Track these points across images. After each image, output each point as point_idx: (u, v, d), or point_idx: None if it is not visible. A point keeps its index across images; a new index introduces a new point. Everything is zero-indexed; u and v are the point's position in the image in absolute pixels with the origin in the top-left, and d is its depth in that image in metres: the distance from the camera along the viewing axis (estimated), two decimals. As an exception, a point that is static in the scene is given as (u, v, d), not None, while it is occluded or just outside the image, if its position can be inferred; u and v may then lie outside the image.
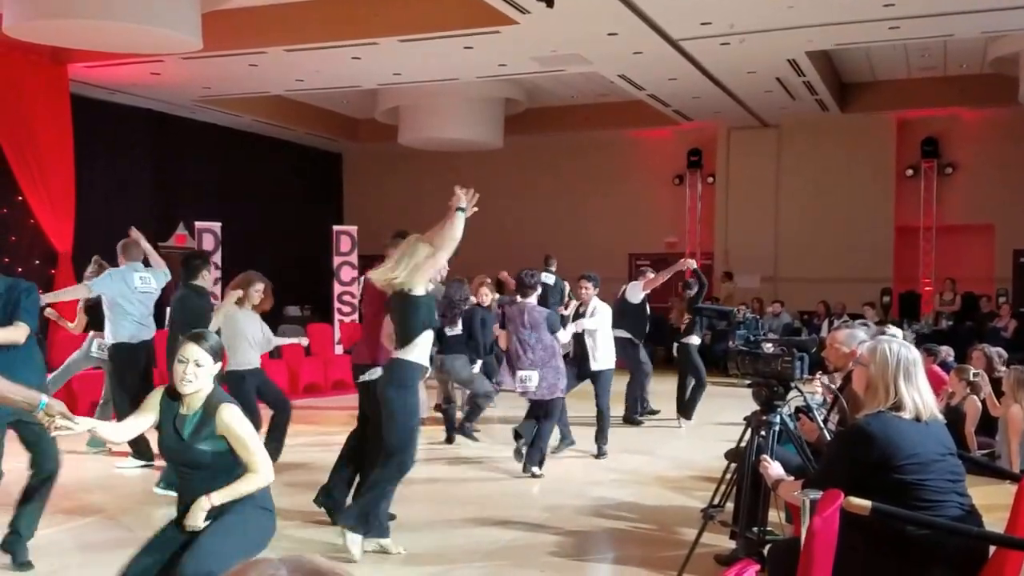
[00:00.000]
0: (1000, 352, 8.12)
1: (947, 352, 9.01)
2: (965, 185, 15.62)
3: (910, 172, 15.90)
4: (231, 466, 3.25)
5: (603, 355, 7.46)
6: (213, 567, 2.99)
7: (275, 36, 10.88)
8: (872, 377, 3.13)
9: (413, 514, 5.55)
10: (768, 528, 4.13)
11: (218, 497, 3.19)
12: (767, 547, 3.84)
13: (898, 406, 3.07)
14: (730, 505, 4.36)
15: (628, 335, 8.74)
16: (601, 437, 7.45)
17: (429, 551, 4.87)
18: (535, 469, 6.66)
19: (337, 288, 13.10)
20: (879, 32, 10.84)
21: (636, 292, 9.03)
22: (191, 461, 3.25)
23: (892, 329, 6.05)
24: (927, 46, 12.89)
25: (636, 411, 9.23)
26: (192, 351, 3.22)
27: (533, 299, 6.80)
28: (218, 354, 3.29)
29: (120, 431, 3.49)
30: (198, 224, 12.84)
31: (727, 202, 16.70)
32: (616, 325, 7.95)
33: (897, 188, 15.87)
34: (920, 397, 3.09)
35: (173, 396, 3.30)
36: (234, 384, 5.98)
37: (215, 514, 3.21)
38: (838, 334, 4.82)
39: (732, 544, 4.50)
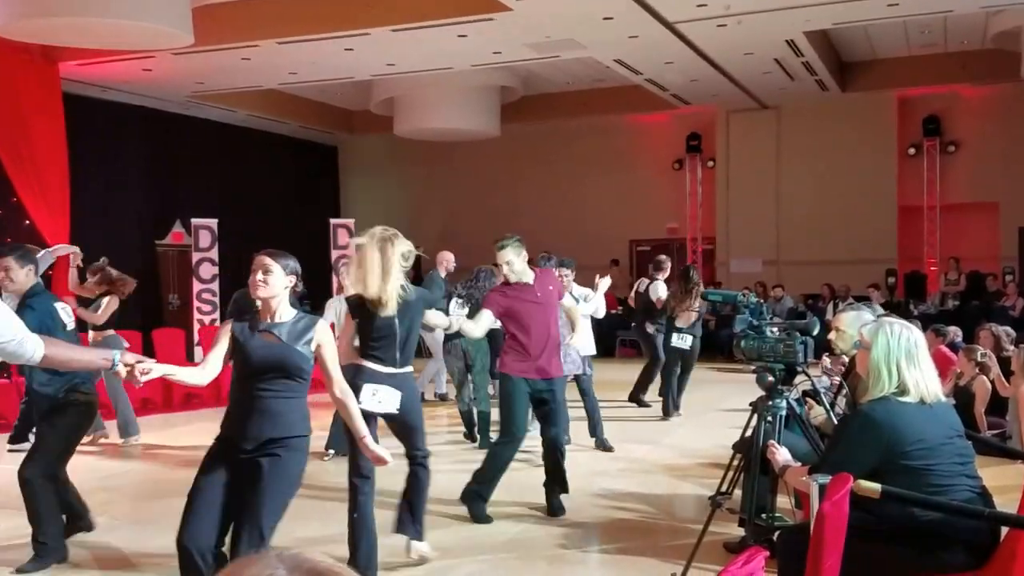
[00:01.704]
0: (1008, 331, 8.05)
1: (955, 332, 8.93)
2: (968, 163, 15.50)
3: (912, 151, 15.79)
4: (304, 387, 3.39)
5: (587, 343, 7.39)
6: (267, 527, 3.22)
7: (267, 29, 10.79)
8: (874, 360, 3.08)
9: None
10: (777, 514, 4.06)
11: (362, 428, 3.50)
12: (776, 533, 3.77)
13: (902, 389, 3.03)
14: (738, 492, 4.29)
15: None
16: (599, 429, 7.40)
17: (435, 545, 4.82)
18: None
19: (336, 282, 13.02)
20: (878, 9, 10.71)
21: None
22: (291, 365, 3.33)
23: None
24: (927, 23, 12.76)
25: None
26: (260, 260, 3.40)
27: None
28: (289, 268, 3.44)
29: (201, 373, 3.46)
30: (194, 221, 12.77)
31: (727, 186, 16.60)
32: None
33: (899, 167, 15.76)
34: (923, 380, 3.05)
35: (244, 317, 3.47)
36: None
37: (267, 453, 3.29)
38: (843, 316, 4.73)
39: (741, 531, 4.44)
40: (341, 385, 3.52)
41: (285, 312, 3.43)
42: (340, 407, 3.55)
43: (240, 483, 3.30)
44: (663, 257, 9.48)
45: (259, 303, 3.42)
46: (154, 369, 3.15)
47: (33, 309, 4.38)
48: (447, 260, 9.03)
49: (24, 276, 4.53)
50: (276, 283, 3.38)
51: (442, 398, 10.12)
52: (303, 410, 3.41)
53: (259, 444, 3.30)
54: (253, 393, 3.33)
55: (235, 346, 3.38)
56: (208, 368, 3.38)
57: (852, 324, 4.51)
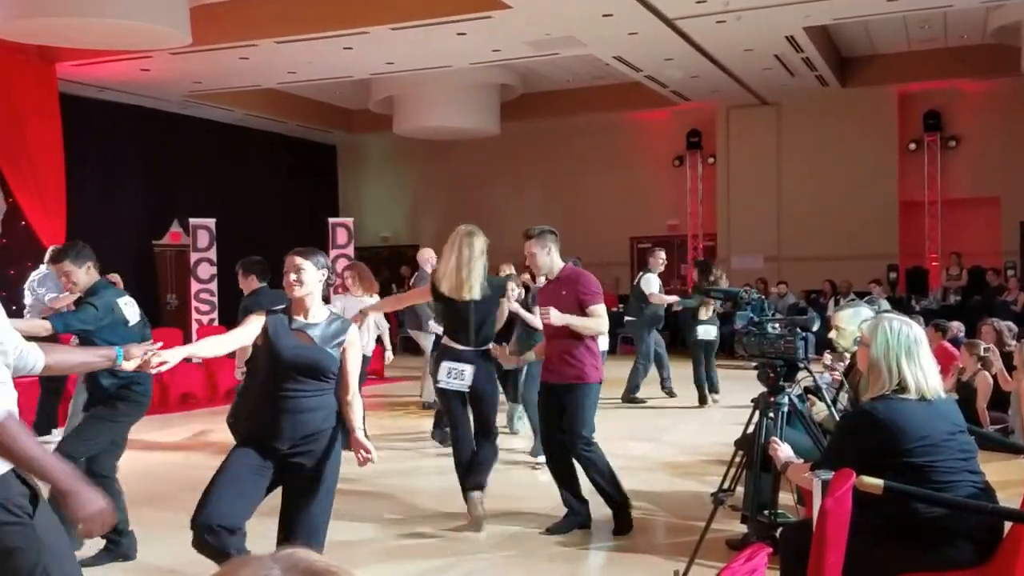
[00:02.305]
0: (1010, 326, 8.02)
1: (957, 328, 8.90)
2: (969, 158, 15.46)
3: (913, 146, 15.75)
4: (331, 384, 3.43)
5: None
6: (319, 536, 3.35)
7: (265, 28, 10.77)
8: (874, 357, 3.06)
9: (420, 505, 5.49)
10: (780, 511, 4.04)
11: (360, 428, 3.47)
12: (779, 530, 3.75)
13: (902, 386, 3.01)
14: (740, 489, 4.27)
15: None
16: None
17: (436, 543, 4.80)
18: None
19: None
20: (878, 4, 10.68)
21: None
22: (322, 367, 3.37)
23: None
24: (927, 17, 12.73)
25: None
26: (292, 261, 3.45)
27: None
28: (320, 263, 3.49)
29: (217, 345, 3.56)
30: (192, 221, 12.75)
31: (728, 182, 16.57)
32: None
33: (900, 163, 15.72)
34: (923, 376, 3.03)
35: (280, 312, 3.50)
36: None
37: (315, 460, 3.37)
38: (841, 314, 4.69)
39: (743, 528, 4.42)
40: (353, 389, 3.56)
41: (319, 311, 3.49)
42: (345, 406, 3.56)
43: (281, 482, 3.40)
44: (655, 248, 9.58)
45: (293, 301, 3.50)
46: (171, 359, 3.13)
47: (91, 305, 4.30)
48: (430, 258, 8.77)
49: (85, 275, 4.42)
50: (310, 280, 3.44)
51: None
52: (332, 403, 3.48)
53: (294, 443, 3.37)
54: (283, 393, 3.36)
55: (266, 341, 3.41)
56: (227, 344, 3.52)
57: (851, 321, 4.48)
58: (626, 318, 10.10)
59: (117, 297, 4.46)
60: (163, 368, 3.13)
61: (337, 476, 3.47)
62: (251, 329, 3.44)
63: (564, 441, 4.90)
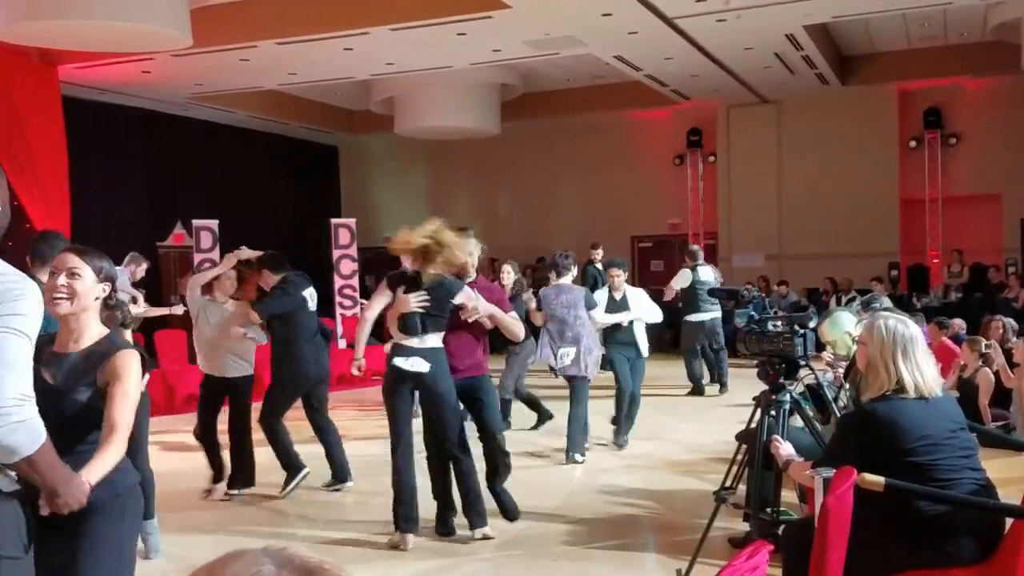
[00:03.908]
0: (1012, 323, 8.01)
1: (959, 325, 8.90)
2: (970, 155, 15.45)
3: (913, 144, 15.75)
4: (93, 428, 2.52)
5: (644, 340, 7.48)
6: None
7: (266, 29, 10.78)
8: (871, 356, 3.07)
9: (422, 505, 5.46)
10: (782, 509, 4.05)
11: (94, 474, 2.34)
12: (781, 528, 3.76)
13: (900, 385, 3.01)
14: (742, 487, 4.28)
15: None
16: (629, 425, 7.44)
17: (440, 542, 4.81)
18: (577, 456, 6.76)
19: (338, 282, 13.01)
20: (878, 2, 10.69)
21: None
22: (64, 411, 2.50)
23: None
24: (927, 15, 12.72)
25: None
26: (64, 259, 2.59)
27: (568, 279, 6.96)
28: (103, 272, 2.65)
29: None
30: (195, 222, 12.76)
31: (729, 181, 16.57)
32: None
33: (901, 160, 15.72)
34: (920, 374, 3.02)
35: None
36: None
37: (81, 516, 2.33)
38: (823, 329, 4.70)
39: (746, 526, 4.43)
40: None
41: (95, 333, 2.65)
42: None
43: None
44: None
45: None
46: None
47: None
48: None
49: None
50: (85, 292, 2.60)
51: None
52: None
53: None
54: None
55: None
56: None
57: (835, 330, 4.49)
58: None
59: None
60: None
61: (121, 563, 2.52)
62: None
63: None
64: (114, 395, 2.46)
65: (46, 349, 2.54)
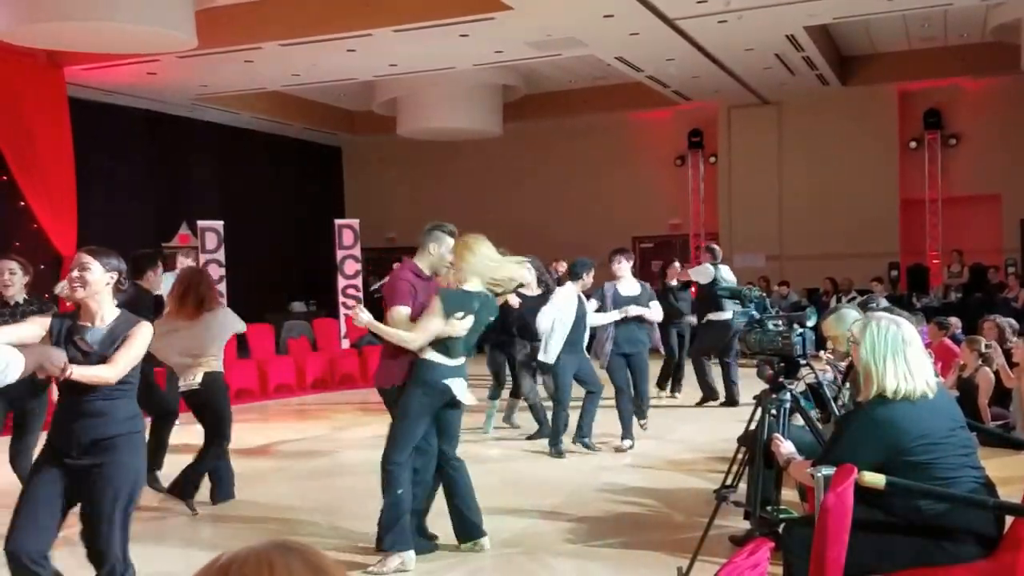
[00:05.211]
0: (1012, 323, 8.05)
1: (955, 324, 8.93)
2: (969, 156, 15.49)
3: (913, 144, 15.79)
4: (122, 394, 3.36)
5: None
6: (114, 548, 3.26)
7: (270, 31, 10.84)
8: (863, 358, 3.08)
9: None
10: (783, 507, 4.09)
11: (78, 372, 3.16)
12: (781, 526, 3.80)
13: (896, 386, 3.02)
14: (743, 485, 4.32)
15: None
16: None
17: (440, 541, 4.84)
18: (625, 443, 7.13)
19: (341, 282, 13.05)
20: (878, 3, 10.73)
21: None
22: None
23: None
24: (927, 16, 12.76)
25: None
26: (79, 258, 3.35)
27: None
28: (110, 265, 3.37)
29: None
30: (200, 223, 12.81)
31: (729, 181, 16.61)
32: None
33: (901, 161, 15.76)
34: (912, 374, 3.02)
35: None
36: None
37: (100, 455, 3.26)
38: (827, 324, 4.73)
39: (747, 525, 4.46)
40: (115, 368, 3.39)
41: (108, 313, 3.46)
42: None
43: (78, 495, 3.38)
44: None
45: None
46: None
47: None
48: None
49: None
50: (96, 281, 3.40)
51: None
52: (125, 409, 3.41)
53: (84, 450, 3.30)
54: (73, 397, 3.36)
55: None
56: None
57: (838, 327, 4.52)
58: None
59: None
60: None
61: (133, 488, 3.35)
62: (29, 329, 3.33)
63: None
64: (124, 346, 3.29)
65: (74, 323, 3.33)
